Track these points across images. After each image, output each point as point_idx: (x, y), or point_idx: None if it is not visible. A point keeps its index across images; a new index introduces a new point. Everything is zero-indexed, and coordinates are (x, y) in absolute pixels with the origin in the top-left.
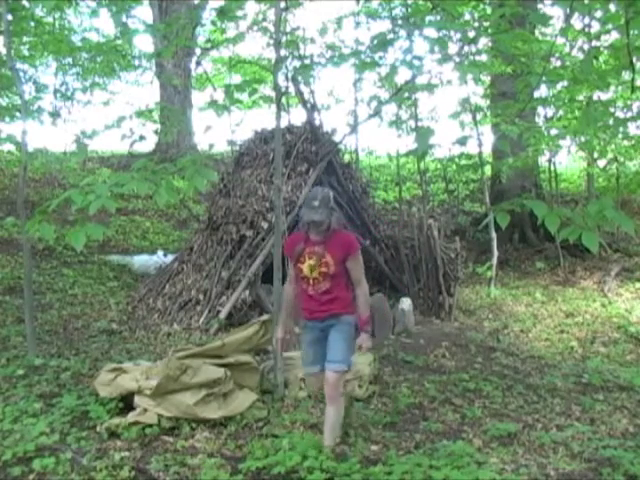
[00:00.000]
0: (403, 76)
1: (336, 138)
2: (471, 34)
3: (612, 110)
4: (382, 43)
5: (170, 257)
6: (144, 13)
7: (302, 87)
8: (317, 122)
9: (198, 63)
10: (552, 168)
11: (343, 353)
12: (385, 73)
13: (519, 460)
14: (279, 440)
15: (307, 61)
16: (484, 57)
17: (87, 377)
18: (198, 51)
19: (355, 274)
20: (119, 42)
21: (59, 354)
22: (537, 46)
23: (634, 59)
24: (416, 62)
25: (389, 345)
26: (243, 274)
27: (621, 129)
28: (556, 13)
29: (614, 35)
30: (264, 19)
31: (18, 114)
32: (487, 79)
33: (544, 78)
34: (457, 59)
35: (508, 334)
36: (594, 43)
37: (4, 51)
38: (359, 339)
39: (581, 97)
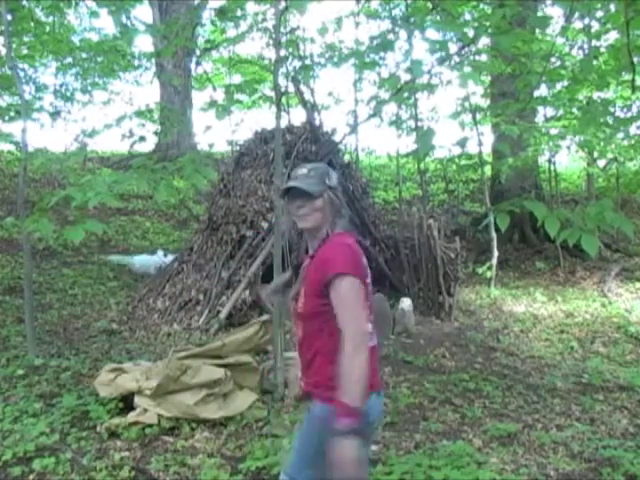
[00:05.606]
0: (403, 76)
1: (336, 138)
2: (470, 33)
3: (612, 110)
4: (384, 45)
5: (170, 257)
6: (144, 13)
7: (302, 87)
8: (317, 122)
9: (198, 63)
10: (552, 168)
11: None
12: (385, 75)
13: (519, 460)
14: (279, 440)
15: (307, 61)
16: (484, 57)
17: (87, 377)
18: (198, 51)
19: (338, 318)
20: (119, 42)
21: (59, 354)
22: (537, 46)
23: (634, 59)
24: (416, 67)
25: (389, 345)
26: (243, 274)
27: (621, 129)
28: (556, 13)
29: (614, 35)
30: (264, 19)
31: (17, 114)
32: (487, 79)
33: (544, 78)
34: (457, 59)
35: (508, 334)
36: (594, 43)
37: (4, 51)
38: (334, 450)
39: (581, 97)
